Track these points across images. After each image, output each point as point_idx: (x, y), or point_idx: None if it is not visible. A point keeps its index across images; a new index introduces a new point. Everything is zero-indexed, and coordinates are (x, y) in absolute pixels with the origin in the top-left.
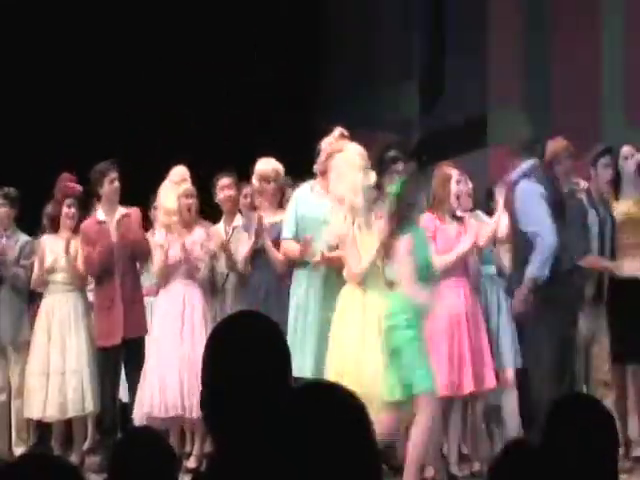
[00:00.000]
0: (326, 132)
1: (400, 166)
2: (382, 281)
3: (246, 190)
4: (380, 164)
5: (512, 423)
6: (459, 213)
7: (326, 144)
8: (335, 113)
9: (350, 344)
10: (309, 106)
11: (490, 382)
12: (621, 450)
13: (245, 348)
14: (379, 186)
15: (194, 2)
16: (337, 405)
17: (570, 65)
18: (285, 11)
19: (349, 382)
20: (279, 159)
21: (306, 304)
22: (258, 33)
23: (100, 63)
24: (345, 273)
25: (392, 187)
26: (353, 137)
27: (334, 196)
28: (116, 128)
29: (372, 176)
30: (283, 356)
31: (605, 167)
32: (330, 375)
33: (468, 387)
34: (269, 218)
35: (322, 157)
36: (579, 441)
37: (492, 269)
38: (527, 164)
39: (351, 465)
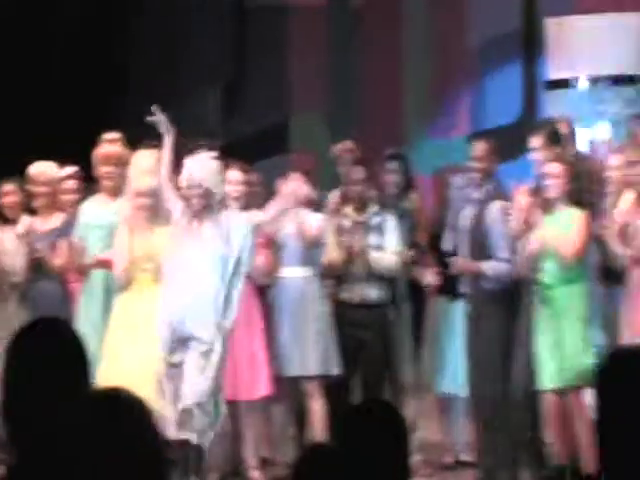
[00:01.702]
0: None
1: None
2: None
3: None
4: None
5: (318, 428)
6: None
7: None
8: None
9: (116, 349)
10: (112, 118)
11: (263, 390)
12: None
13: (47, 356)
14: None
15: None
16: (125, 410)
17: (373, 75)
18: (88, 21)
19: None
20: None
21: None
22: (55, 37)
23: None
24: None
25: None
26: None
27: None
28: None
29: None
30: (83, 362)
31: (389, 172)
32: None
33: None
34: (45, 224)
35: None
36: (370, 444)
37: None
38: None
39: (140, 464)
